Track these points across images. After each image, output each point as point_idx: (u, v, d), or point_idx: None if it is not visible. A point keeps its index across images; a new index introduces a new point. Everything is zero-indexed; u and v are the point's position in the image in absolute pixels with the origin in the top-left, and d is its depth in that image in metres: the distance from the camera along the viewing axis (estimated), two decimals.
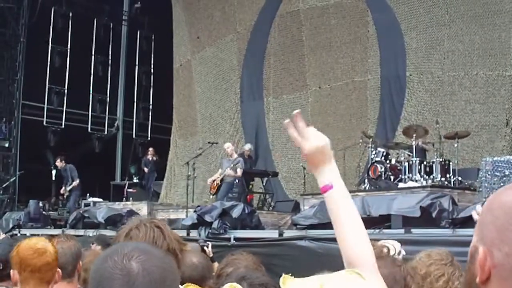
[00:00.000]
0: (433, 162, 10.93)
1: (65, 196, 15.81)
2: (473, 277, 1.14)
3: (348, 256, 1.68)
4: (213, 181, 12.60)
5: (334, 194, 1.72)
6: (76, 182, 15.15)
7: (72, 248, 3.37)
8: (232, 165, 12.32)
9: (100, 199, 16.18)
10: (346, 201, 1.72)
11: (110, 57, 22.50)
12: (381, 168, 11.16)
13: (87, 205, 14.86)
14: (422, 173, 10.74)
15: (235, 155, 12.88)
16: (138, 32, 23.36)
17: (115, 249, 1.42)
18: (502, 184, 7.61)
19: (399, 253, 4.09)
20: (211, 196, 13.29)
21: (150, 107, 23.53)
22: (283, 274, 1.64)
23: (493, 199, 1.17)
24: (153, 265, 1.38)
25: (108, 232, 10.62)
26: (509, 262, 1.08)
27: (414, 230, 7.46)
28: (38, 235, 11.15)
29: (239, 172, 12.55)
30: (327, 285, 1.52)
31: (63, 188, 15.49)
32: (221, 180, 12.48)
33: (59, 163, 15.52)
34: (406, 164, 10.97)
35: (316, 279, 1.55)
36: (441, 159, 10.96)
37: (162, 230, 2.12)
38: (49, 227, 14.21)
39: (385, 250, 2.64)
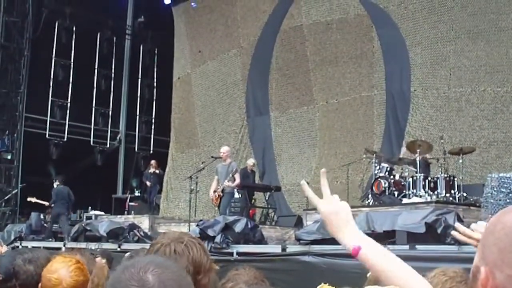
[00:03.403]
0: (437, 178, 10.85)
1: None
2: None
3: None
4: (214, 191, 12.36)
5: (367, 253, 1.67)
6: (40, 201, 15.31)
7: None
8: (229, 176, 12.12)
9: (102, 212, 16.13)
10: (382, 256, 1.66)
11: (113, 71, 22.57)
12: (384, 183, 11.10)
13: (89, 218, 14.79)
14: (427, 188, 10.67)
15: (229, 160, 12.59)
16: (141, 46, 23.45)
17: (132, 263, 1.43)
18: (508, 200, 7.53)
19: None
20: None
21: (153, 120, 23.57)
22: (322, 283, 1.60)
23: (496, 220, 1.19)
24: (169, 278, 1.38)
25: (110, 246, 10.56)
26: (510, 283, 1.10)
27: (418, 247, 7.36)
28: (39, 247, 11.14)
29: (237, 178, 12.30)
30: None
31: None
32: (222, 191, 12.27)
33: (55, 183, 14.97)
34: (410, 179, 10.91)
35: None
36: (445, 175, 10.89)
37: (203, 247, 2.07)
38: (50, 239, 14.13)
39: None
